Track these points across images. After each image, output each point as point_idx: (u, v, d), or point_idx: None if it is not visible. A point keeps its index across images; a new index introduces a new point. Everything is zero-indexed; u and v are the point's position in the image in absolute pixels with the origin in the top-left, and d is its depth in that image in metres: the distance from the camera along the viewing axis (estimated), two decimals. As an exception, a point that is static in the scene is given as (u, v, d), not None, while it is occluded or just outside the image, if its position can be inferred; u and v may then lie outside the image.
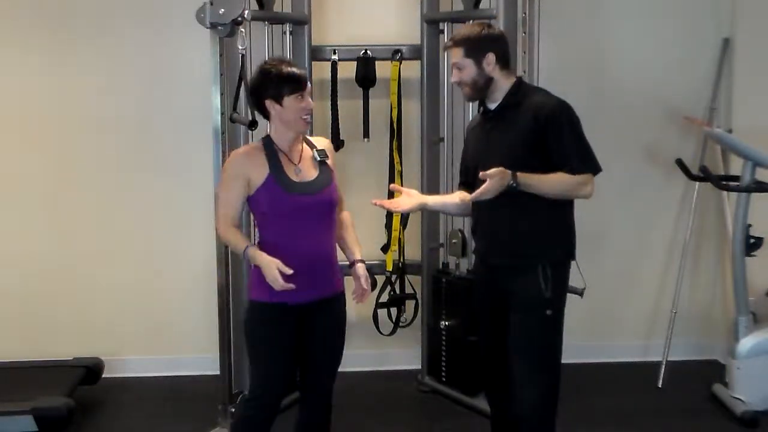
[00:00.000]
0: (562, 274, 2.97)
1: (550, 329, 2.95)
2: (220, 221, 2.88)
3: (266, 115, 2.88)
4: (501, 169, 2.77)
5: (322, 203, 2.87)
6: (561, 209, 2.95)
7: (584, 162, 2.88)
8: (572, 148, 2.87)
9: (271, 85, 2.80)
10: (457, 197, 3.12)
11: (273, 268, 2.71)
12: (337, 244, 2.98)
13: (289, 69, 2.83)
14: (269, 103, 2.82)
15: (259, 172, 2.82)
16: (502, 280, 2.98)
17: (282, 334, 2.88)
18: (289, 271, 2.70)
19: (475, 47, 2.91)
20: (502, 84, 2.94)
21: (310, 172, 2.88)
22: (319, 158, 2.91)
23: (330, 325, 2.96)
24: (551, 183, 2.86)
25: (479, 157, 2.97)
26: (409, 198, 3.06)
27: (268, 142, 2.89)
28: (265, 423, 2.94)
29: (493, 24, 3.30)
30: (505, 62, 2.95)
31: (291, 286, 2.70)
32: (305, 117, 2.84)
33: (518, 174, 2.79)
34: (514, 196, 2.82)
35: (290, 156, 2.88)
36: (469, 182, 3.05)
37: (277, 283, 2.70)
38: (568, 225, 3.01)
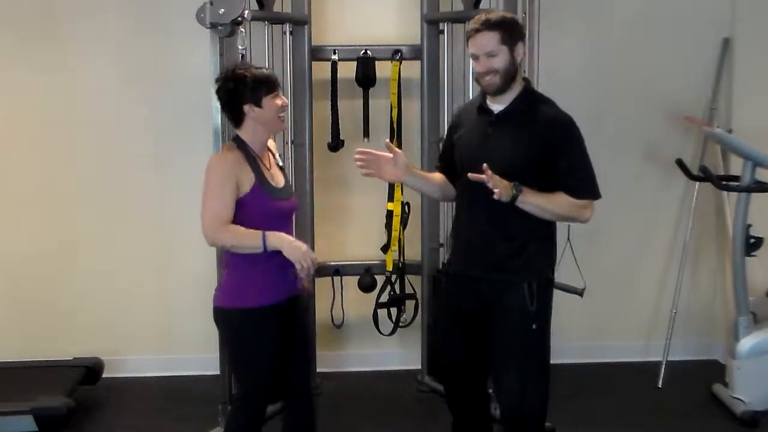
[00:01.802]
0: (547, 290, 2.94)
1: (537, 341, 2.90)
2: (213, 221, 2.78)
3: (239, 121, 2.88)
4: (505, 183, 2.70)
5: (293, 208, 3.03)
6: (548, 224, 2.90)
7: (589, 186, 2.83)
8: (580, 170, 2.81)
9: (247, 89, 2.82)
10: (439, 178, 3.03)
11: (302, 246, 2.80)
12: None
13: (261, 72, 2.88)
14: (248, 108, 2.84)
15: (247, 178, 2.83)
16: (485, 293, 2.91)
17: (270, 337, 2.91)
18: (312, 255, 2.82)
19: (511, 33, 2.75)
20: (517, 81, 2.83)
21: (279, 178, 2.96)
22: (280, 163, 3.02)
23: (301, 320, 3.11)
24: (554, 204, 2.80)
25: (474, 157, 2.84)
26: (393, 168, 2.91)
27: (243, 146, 2.89)
28: (256, 430, 2.99)
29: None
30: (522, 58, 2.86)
31: (312, 255, 2.81)
32: (281, 115, 2.90)
33: (524, 190, 2.72)
34: (504, 209, 2.75)
35: (263, 161, 2.92)
36: (449, 172, 3.00)
37: (307, 259, 2.77)
38: (552, 240, 2.98)
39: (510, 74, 2.79)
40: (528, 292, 2.83)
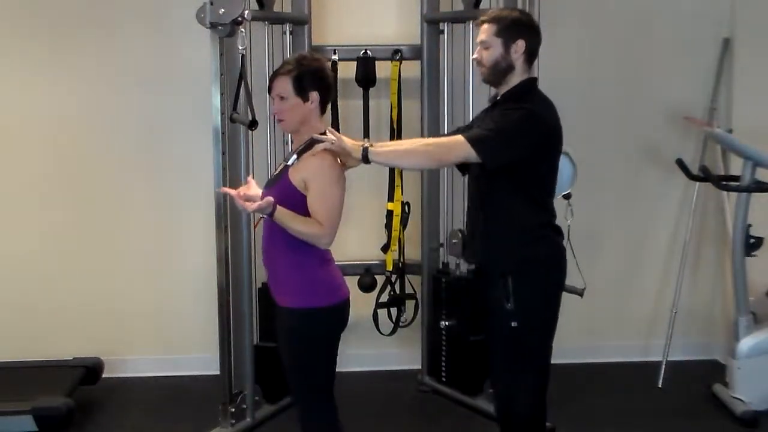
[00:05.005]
0: (532, 286, 2.81)
1: (520, 339, 2.82)
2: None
3: None
4: (353, 142, 2.71)
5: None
6: (532, 215, 2.81)
7: (478, 135, 2.67)
8: (487, 128, 2.70)
9: None
10: None
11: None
12: (287, 263, 2.75)
13: (279, 68, 2.80)
14: None
15: None
16: (482, 283, 2.95)
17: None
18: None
19: (509, 29, 2.79)
20: (518, 77, 2.82)
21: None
22: (287, 162, 2.77)
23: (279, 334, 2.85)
24: (408, 144, 2.76)
25: None
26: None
27: None
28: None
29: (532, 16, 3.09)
30: (531, 56, 2.83)
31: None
32: (277, 117, 2.80)
33: (373, 144, 2.70)
34: (486, 196, 2.81)
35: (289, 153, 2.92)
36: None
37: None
38: (540, 234, 2.84)
39: (500, 67, 2.80)
40: (503, 286, 2.77)
